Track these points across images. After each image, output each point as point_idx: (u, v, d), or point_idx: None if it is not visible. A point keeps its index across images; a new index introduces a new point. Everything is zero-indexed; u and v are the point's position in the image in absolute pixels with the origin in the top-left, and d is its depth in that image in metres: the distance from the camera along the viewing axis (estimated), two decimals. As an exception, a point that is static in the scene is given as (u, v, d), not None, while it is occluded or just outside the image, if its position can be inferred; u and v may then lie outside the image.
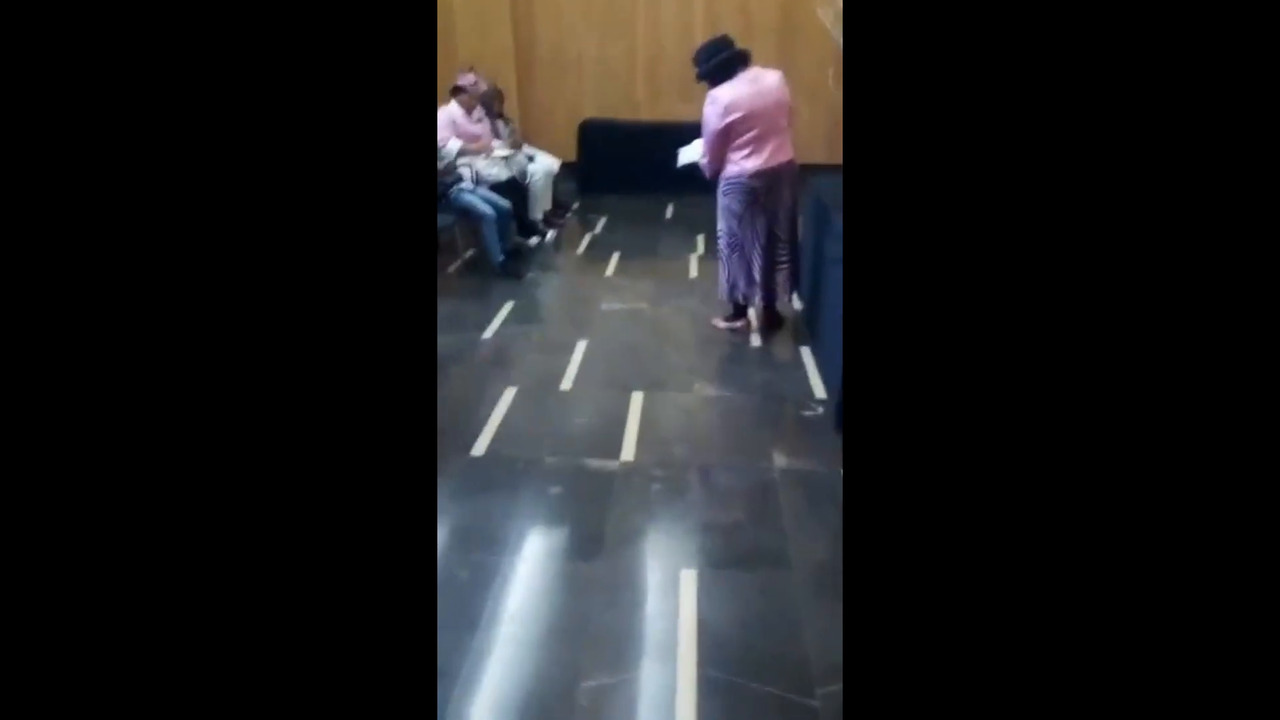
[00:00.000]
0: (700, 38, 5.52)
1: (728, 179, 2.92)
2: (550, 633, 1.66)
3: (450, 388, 2.81)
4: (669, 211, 5.31)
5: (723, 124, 2.78)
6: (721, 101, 2.77)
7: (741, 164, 2.85)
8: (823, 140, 5.41)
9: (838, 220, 2.80)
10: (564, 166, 5.21)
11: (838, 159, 5.50)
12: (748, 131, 2.80)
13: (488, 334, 3.30)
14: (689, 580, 1.80)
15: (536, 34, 5.89)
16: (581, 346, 3.13)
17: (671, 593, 1.77)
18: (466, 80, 4.40)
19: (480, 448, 2.40)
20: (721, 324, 3.28)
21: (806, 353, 3.05)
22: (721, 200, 2.99)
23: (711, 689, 1.50)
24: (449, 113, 4.26)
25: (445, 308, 3.54)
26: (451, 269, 4.11)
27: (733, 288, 3.11)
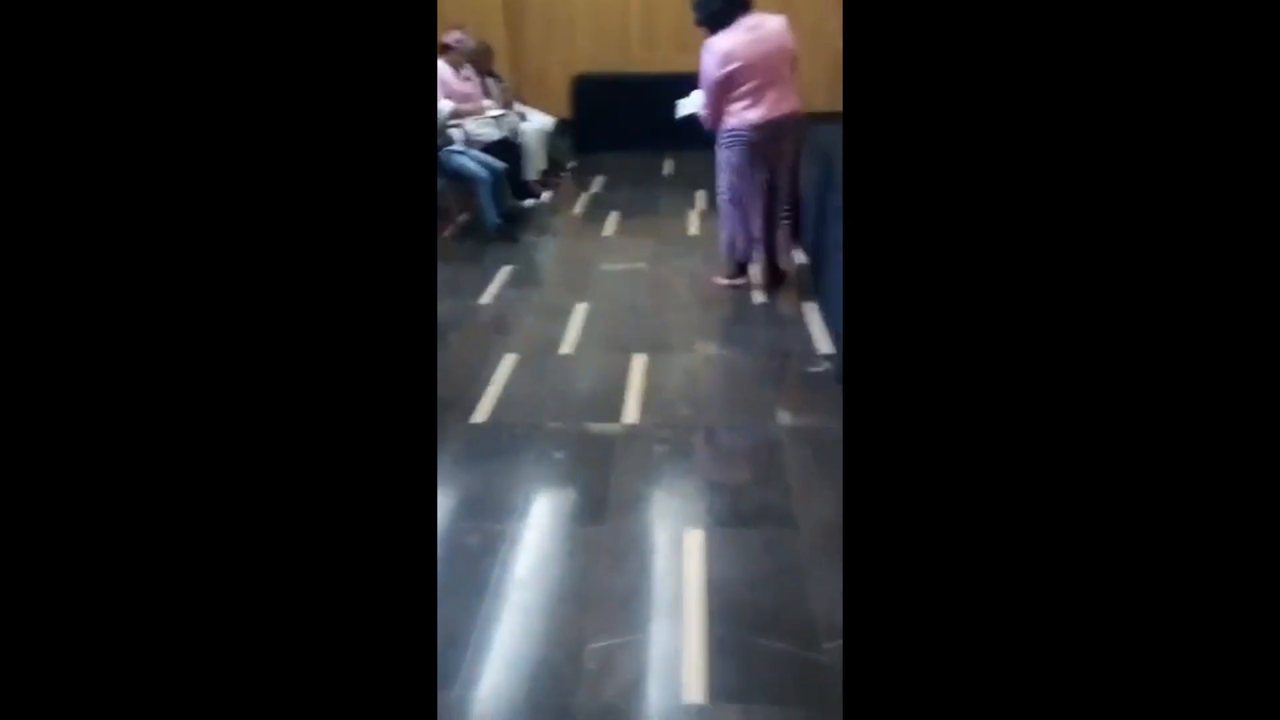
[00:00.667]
0: (695, -17, 5.33)
1: (727, 131, 2.82)
2: (557, 597, 1.66)
3: (449, 355, 2.78)
4: (667, 168, 5.19)
5: (721, 74, 2.67)
6: (719, 50, 2.66)
7: (742, 115, 2.75)
8: (825, 88, 5.24)
9: (840, 171, 2.71)
10: (558, 124, 5.07)
11: (840, 107, 5.35)
12: (747, 82, 2.68)
13: (485, 299, 3.25)
14: (695, 541, 1.80)
15: (525, -15, 5.68)
16: (581, 309, 3.09)
17: (677, 554, 1.76)
18: (453, 38, 4.25)
19: (482, 415, 2.39)
20: (723, 282, 3.22)
21: (810, 308, 3.00)
22: (721, 153, 2.89)
23: (719, 646, 1.51)
24: (437, 71, 4.13)
25: (442, 273, 3.49)
26: (446, 233, 4.04)
27: (732, 244, 3.05)
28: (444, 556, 1.78)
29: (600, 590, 1.67)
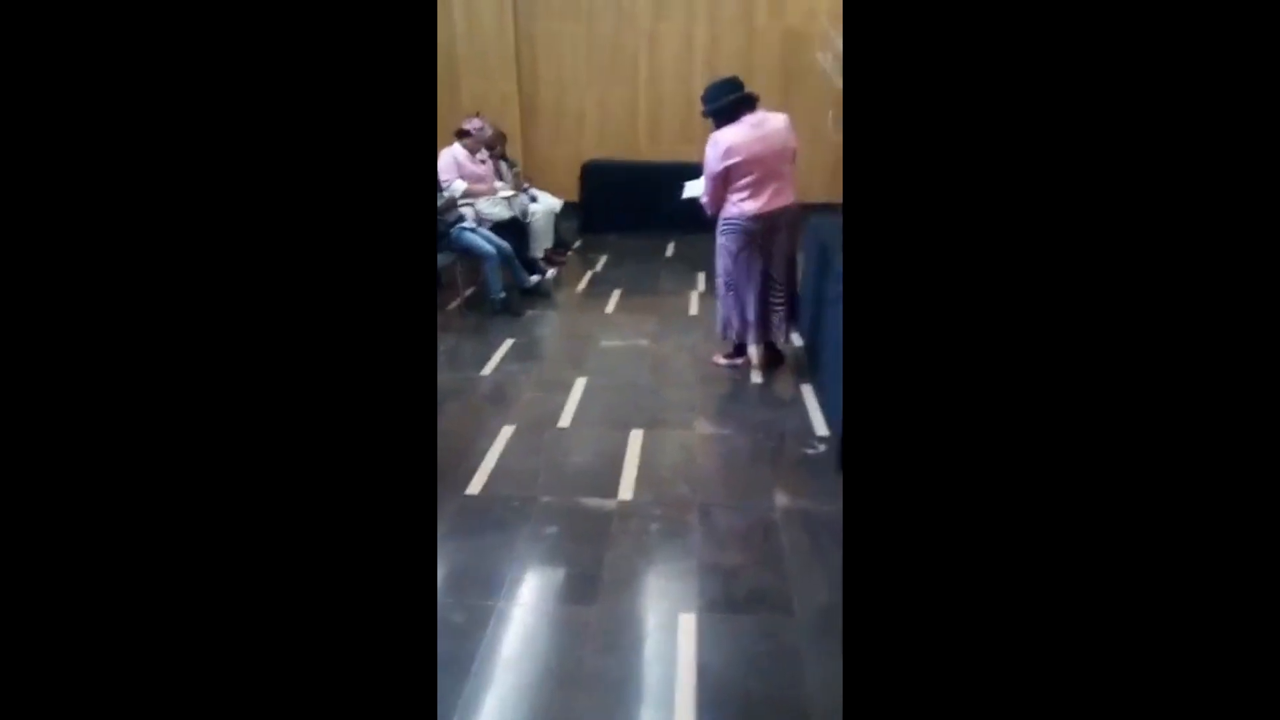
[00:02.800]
0: (700, 82, 5.67)
1: (726, 219, 2.95)
2: (546, 679, 1.60)
3: (447, 425, 2.78)
4: (670, 249, 5.35)
5: (721, 166, 2.82)
6: (722, 144, 2.80)
7: (740, 205, 2.88)
8: (822, 180, 5.49)
9: (837, 259, 2.81)
10: (566, 206, 5.28)
11: (837, 198, 5.57)
12: (747, 175, 2.83)
13: (486, 371, 3.29)
14: (688, 624, 1.75)
15: (539, 81, 6.04)
16: (580, 384, 3.11)
17: (670, 637, 1.71)
18: (473, 125, 4.49)
19: (476, 486, 2.37)
20: (722, 361, 3.27)
21: (808, 390, 3.03)
22: (720, 239, 3.01)
23: (711, 740, 1.44)
24: (453, 154, 4.33)
25: (444, 345, 3.54)
26: (452, 306, 4.13)
27: (726, 326, 3.13)
28: (429, 633, 1.73)
29: (590, 674, 1.61)
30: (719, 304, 3.13)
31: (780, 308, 3.09)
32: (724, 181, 2.86)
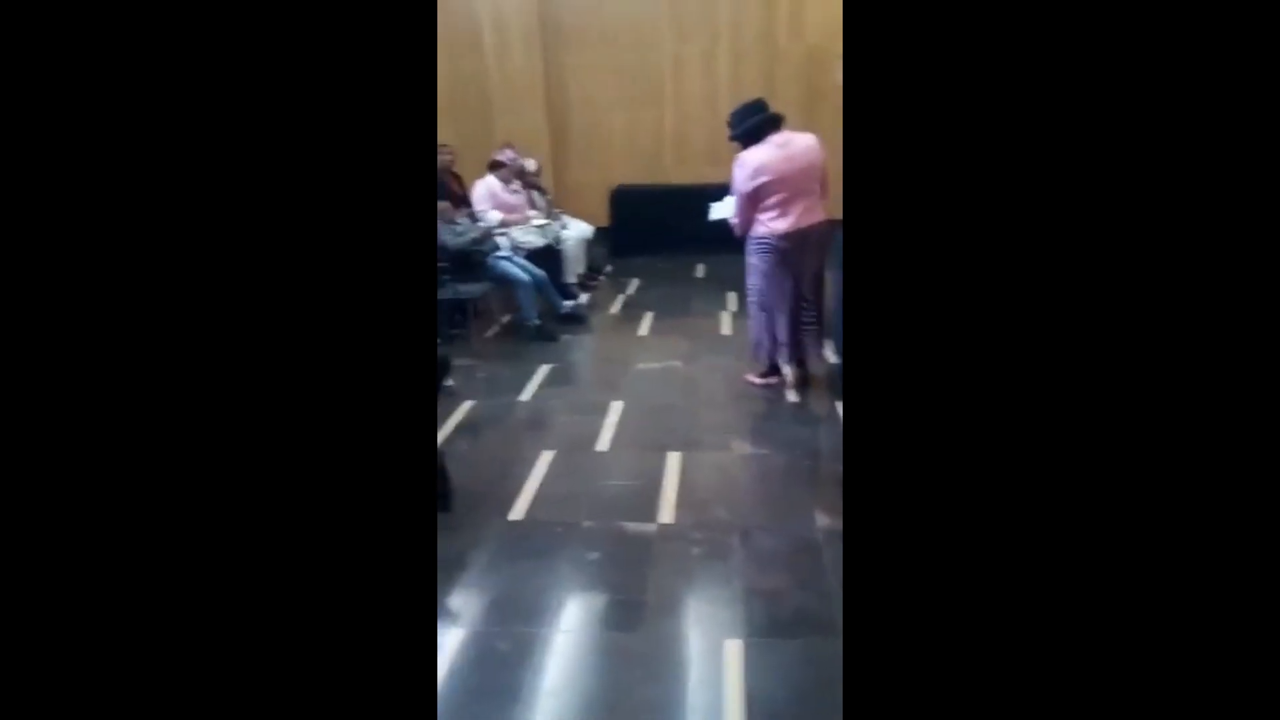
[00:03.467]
0: (725, 107, 5.70)
1: (756, 238, 2.97)
2: (591, 707, 1.61)
3: (487, 452, 2.83)
4: (700, 271, 5.38)
5: (750, 186, 2.85)
6: (750, 165, 2.84)
7: (770, 225, 2.90)
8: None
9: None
10: (597, 231, 5.35)
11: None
12: (775, 194, 2.85)
13: (524, 396, 3.34)
14: (734, 650, 1.74)
15: (569, 111, 6.17)
16: (617, 407, 3.14)
17: (716, 663, 1.70)
18: (505, 155, 4.61)
19: (518, 512, 2.40)
20: (756, 380, 3.26)
21: (842, 407, 3.00)
22: (750, 259, 3.03)
23: (761, 769, 1.42)
24: (488, 185, 4.45)
25: (482, 372, 3.61)
26: (489, 334, 4.21)
27: (758, 345, 3.14)
28: (474, 660, 1.75)
29: (635, 701, 1.61)
30: (751, 324, 3.14)
31: (812, 326, 3.08)
32: (753, 201, 2.88)
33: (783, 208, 2.86)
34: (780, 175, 2.82)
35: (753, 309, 3.10)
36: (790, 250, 2.91)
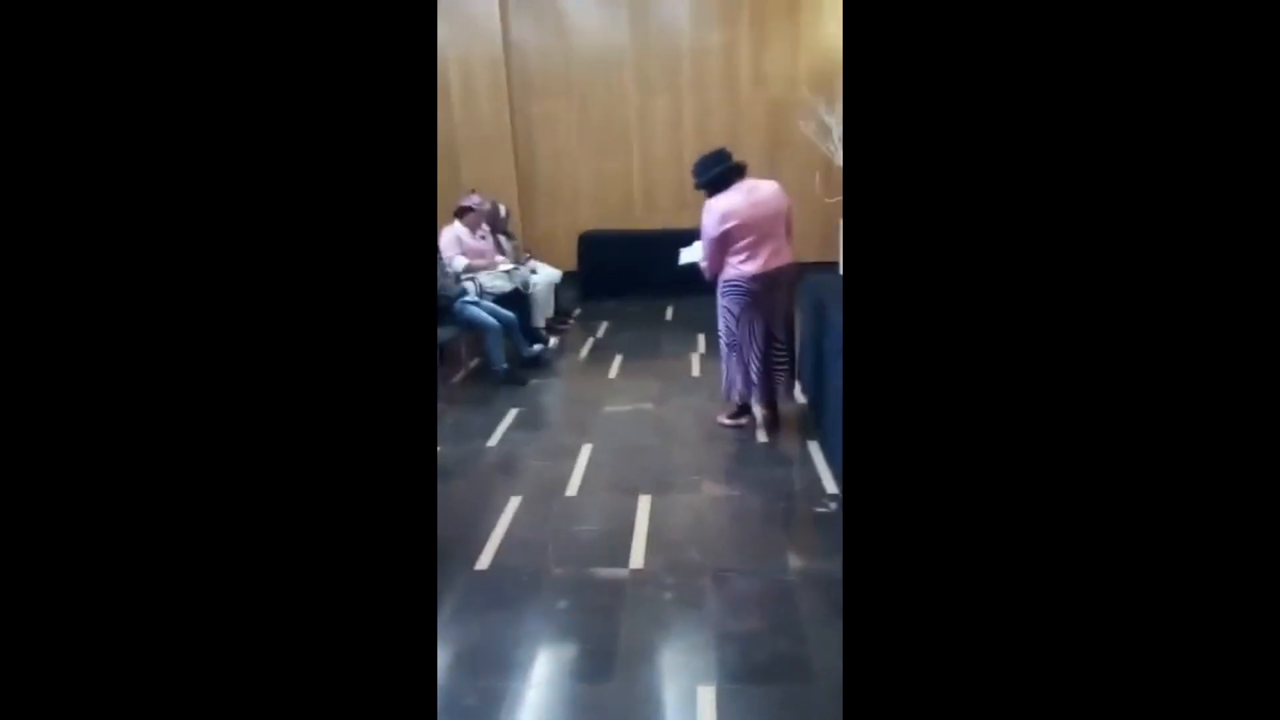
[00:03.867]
0: (691, 154, 5.86)
1: (726, 281, 3.02)
2: (561, 765, 1.54)
3: (454, 499, 2.76)
4: (669, 313, 5.43)
5: (719, 231, 2.92)
6: (718, 211, 2.91)
7: (740, 268, 2.96)
8: (813, 240, 5.63)
9: (833, 314, 2.86)
10: (565, 276, 5.39)
11: (827, 256, 5.70)
12: (744, 238, 2.92)
13: (492, 442, 3.29)
14: (707, 698, 1.69)
15: (536, 158, 6.28)
16: (586, 450, 3.11)
17: (689, 712, 1.65)
18: (472, 201, 4.65)
19: (485, 561, 2.33)
20: (727, 421, 3.27)
21: (814, 447, 3.02)
22: (721, 301, 3.08)
23: (738, 824, 1.37)
24: (454, 231, 4.46)
25: (450, 418, 3.56)
26: (456, 379, 4.16)
27: (730, 387, 3.16)
28: (440, 717, 1.67)
29: (607, 756, 1.55)
30: (722, 365, 3.16)
31: (783, 366, 3.12)
32: (722, 245, 2.95)
33: (751, 250, 2.93)
34: (747, 220, 2.90)
35: (724, 350, 3.13)
36: (760, 292, 2.97)
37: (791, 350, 3.16)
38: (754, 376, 3.08)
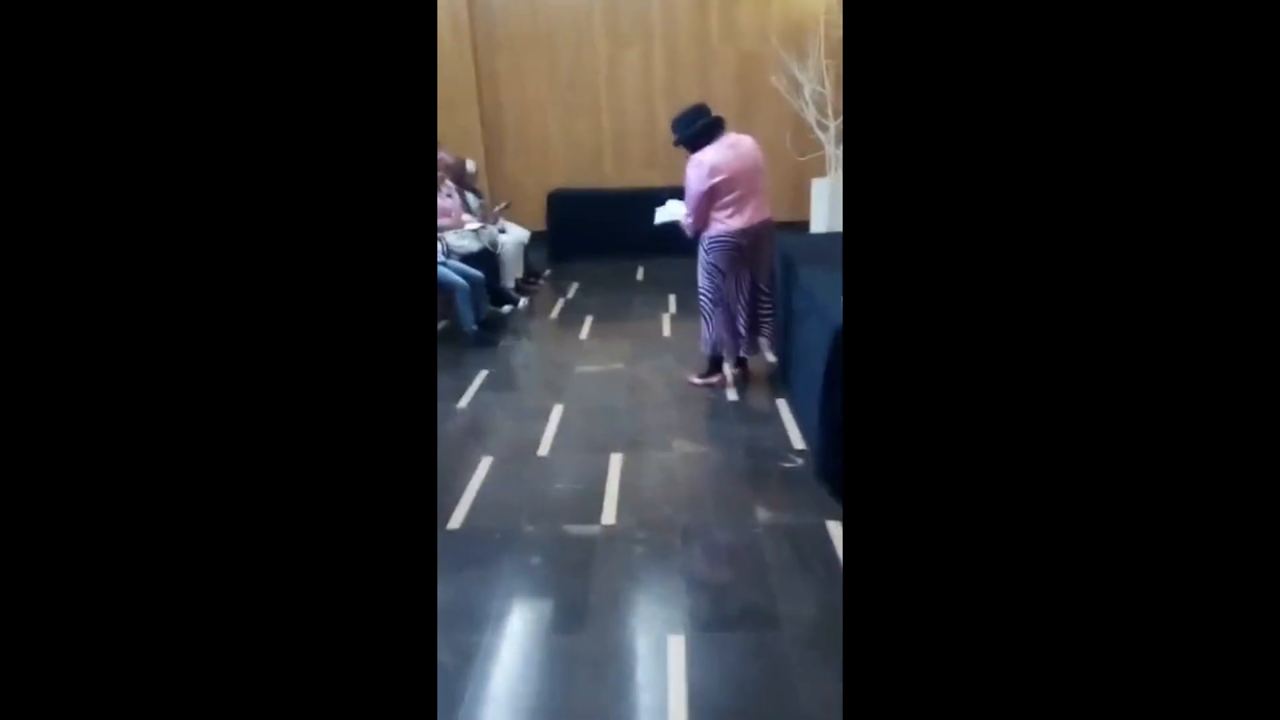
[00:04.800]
0: (661, 110, 5.78)
1: (712, 237, 2.98)
2: (536, 713, 1.58)
3: (425, 460, 2.75)
4: (640, 274, 5.40)
5: (707, 185, 2.87)
6: (707, 164, 2.86)
7: (727, 223, 2.94)
8: (785, 199, 5.61)
9: (803, 273, 2.87)
10: (534, 235, 5.30)
11: (798, 216, 5.67)
12: (730, 192, 2.89)
13: (462, 403, 3.27)
14: (677, 646, 1.74)
15: (503, 113, 6.11)
16: (558, 411, 3.11)
17: (660, 661, 1.70)
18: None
19: (456, 521, 2.34)
20: (697, 381, 3.29)
21: (782, 404, 3.06)
22: (705, 258, 3.04)
23: (706, 763, 1.43)
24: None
25: (419, 379, 3.51)
26: (425, 340, 4.10)
27: (717, 342, 3.15)
28: (415, 674, 1.70)
29: (581, 703, 1.59)
30: (705, 325, 3.15)
31: (769, 315, 3.17)
32: (709, 200, 2.91)
33: (738, 205, 2.91)
34: (734, 174, 2.87)
35: (707, 307, 3.11)
36: (747, 246, 2.98)
37: (775, 300, 3.18)
38: (741, 329, 3.12)
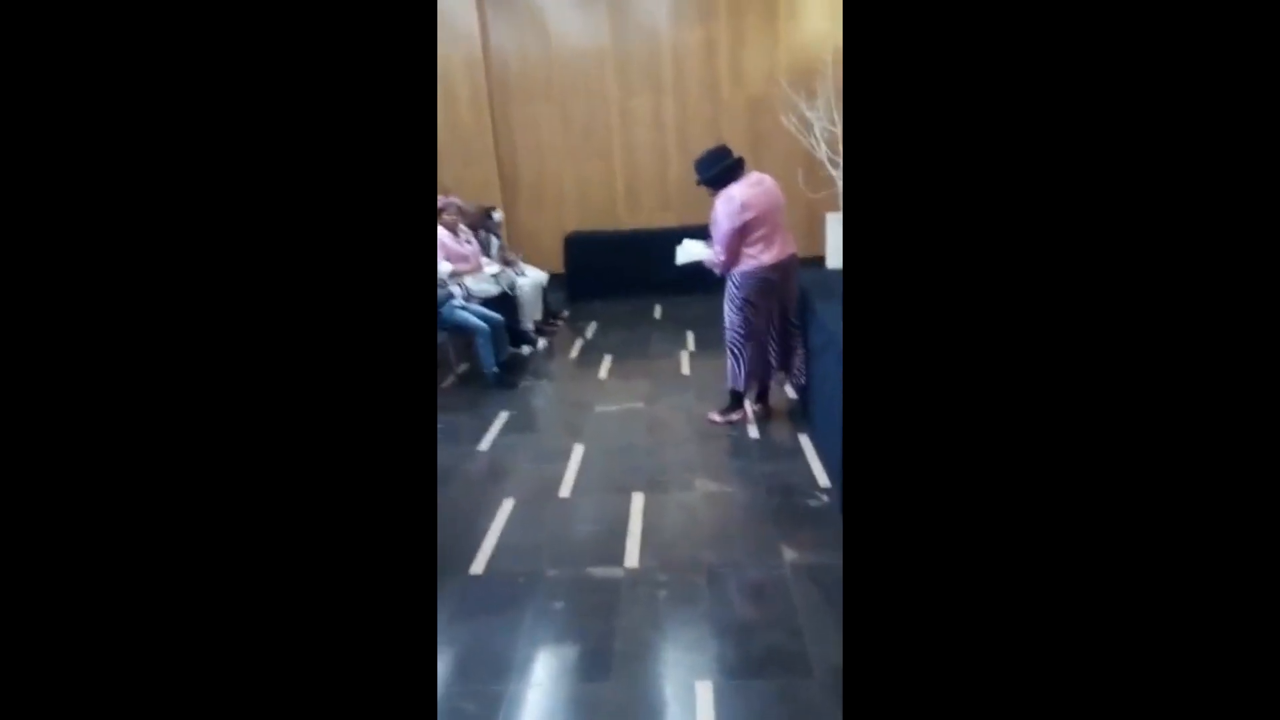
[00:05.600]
0: (673, 153, 5.90)
1: (744, 273, 2.99)
2: (561, 766, 1.53)
3: (447, 504, 2.75)
4: (657, 312, 5.43)
5: (739, 221, 2.90)
6: (737, 199, 2.91)
7: (759, 258, 2.97)
8: (799, 235, 5.64)
9: (820, 308, 2.87)
10: (552, 277, 5.38)
11: (813, 252, 5.68)
12: (760, 228, 2.94)
13: (483, 446, 3.28)
14: (705, 693, 1.69)
15: (519, 162, 6.27)
16: (578, 451, 3.10)
17: (688, 708, 1.66)
18: (441, 201, 4.62)
19: (479, 565, 2.33)
20: (719, 419, 3.27)
21: (805, 440, 3.03)
22: (736, 294, 3.03)
23: (740, 818, 1.37)
24: (437, 236, 4.44)
25: (440, 422, 3.54)
26: (446, 383, 4.14)
27: (749, 376, 3.15)
28: (439, 725, 1.67)
29: (607, 755, 1.55)
30: (735, 361, 3.13)
31: (799, 346, 3.21)
32: (740, 236, 2.94)
33: (767, 240, 2.96)
34: (762, 210, 2.93)
35: (737, 344, 3.10)
36: (778, 280, 3.02)
37: (804, 331, 3.19)
38: (773, 360, 3.17)
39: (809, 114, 5.44)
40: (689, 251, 3.19)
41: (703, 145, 3.22)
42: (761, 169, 3.46)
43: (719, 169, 2.96)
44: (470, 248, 4.60)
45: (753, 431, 3.18)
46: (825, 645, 1.82)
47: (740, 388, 3.20)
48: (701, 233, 3.20)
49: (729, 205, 2.90)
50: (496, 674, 1.82)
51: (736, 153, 3.03)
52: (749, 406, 3.28)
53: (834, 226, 5.66)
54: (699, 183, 3.03)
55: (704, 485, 2.76)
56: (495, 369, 3.98)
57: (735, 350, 3.13)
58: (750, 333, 3.07)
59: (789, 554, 2.25)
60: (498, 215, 4.99)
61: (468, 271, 4.41)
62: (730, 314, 3.09)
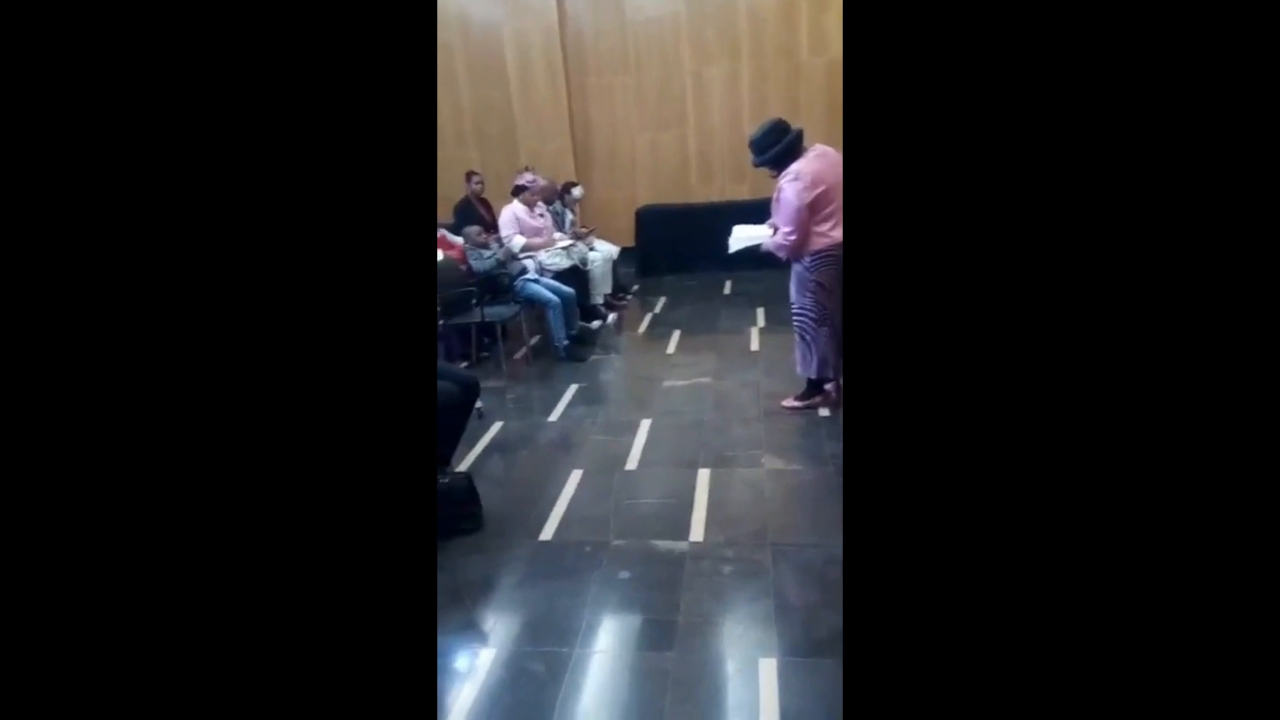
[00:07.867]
0: (748, 123, 5.74)
1: (817, 252, 2.81)
2: (624, 729, 1.58)
3: (517, 473, 2.84)
4: (727, 287, 5.37)
5: (810, 197, 2.73)
6: (807, 175, 2.73)
7: (831, 235, 2.78)
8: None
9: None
10: (623, 251, 5.39)
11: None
12: (830, 204, 2.75)
13: (553, 417, 3.35)
14: (768, 670, 1.70)
15: (592, 133, 6.27)
16: (646, 425, 3.13)
17: (751, 683, 1.67)
18: (524, 179, 4.69)
19: (548, 532, 2.40)
20: (797, 404, 3.14)
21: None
22: (807, 276, 2.86)
23: (799, 794, 1.38)
24: (512, 210, 4.53)
25: (513, 393, 3.64)
26: (518, 355, 4.25)
27: (823, 363, 2.96)
28: (508, 681, 1.75)
29: (669, 723, 1.59)
30: (807, 346, 2.98)
31: None
32: (811, 213, 2.75)
33: (837, 217, 2.77)
34: (831, 184, 2.74)
35: (809, 329, 2.93)
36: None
37: None
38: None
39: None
40: (741, 237, 2.98)
41: (780, 114, 3.09)
42: (839, 143, 3.31)
43: (780, 147, 2.76)
44: (543, 221, 4.66)
45: (823, 411, 3.12)
46: (893, 630, 1.79)
47: (814, 374, 3.03)
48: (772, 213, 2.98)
49: (797, 182, 2.72)
50: (563, 637, 1.88)
51: (798, 124, 2.84)
52: (830, 388, 3.12)
53: (916, 198, 5.39)
54: (756, 164, 2.84)
55: (770, 462, 2.74)
56: (565, 342, 4.04)
57: (807, 336, 2.95)
58: (822, 316, 2.88)
59: (857, 536, 2.21)
60: (578, 191, 5.02)
61: (541, 245, 4.48)
62: (798, 297, 2.91)
